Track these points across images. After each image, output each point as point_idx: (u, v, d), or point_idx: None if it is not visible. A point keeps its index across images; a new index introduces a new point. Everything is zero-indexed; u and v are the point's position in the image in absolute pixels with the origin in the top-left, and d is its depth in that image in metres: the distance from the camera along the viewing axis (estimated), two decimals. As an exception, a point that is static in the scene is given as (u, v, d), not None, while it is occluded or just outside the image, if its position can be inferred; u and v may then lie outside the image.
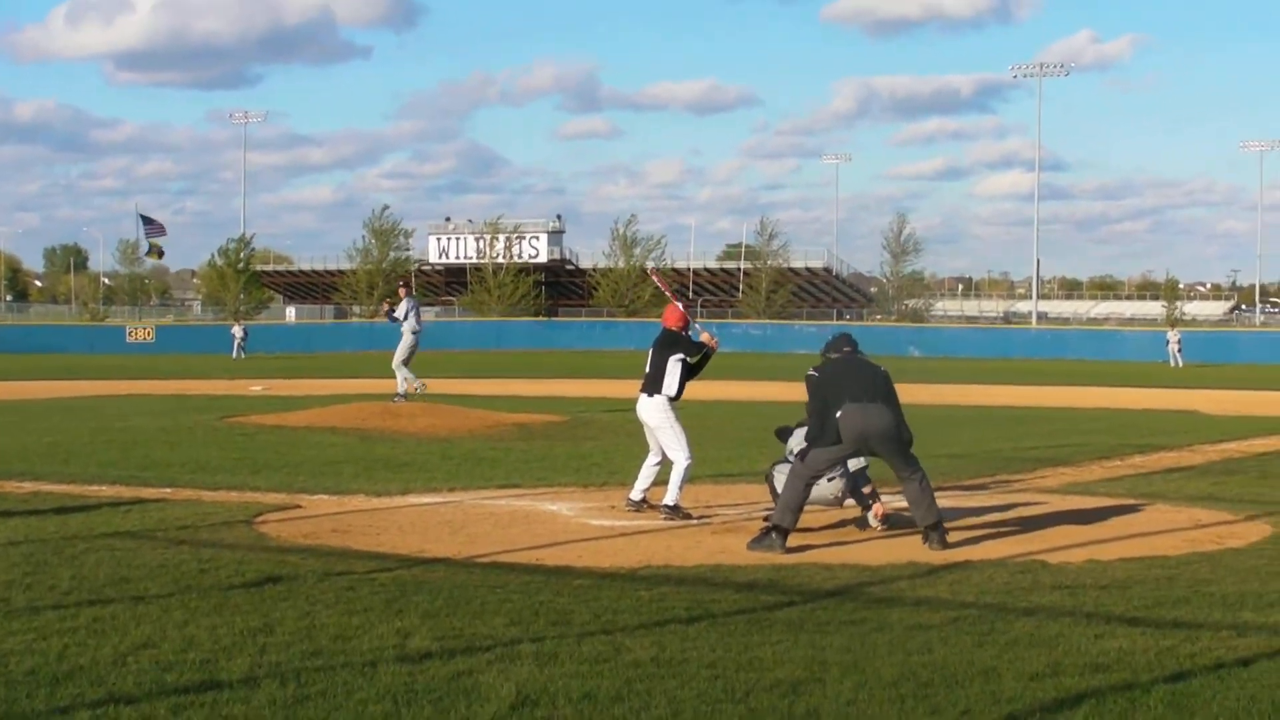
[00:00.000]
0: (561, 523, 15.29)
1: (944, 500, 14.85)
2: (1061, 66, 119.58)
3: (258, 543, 13.63)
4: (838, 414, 13.68)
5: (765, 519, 14.03)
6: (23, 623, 9.86)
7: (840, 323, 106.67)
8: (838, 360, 14.30)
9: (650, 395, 16.13)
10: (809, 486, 13.92)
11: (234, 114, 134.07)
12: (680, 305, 16.81)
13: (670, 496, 15.65)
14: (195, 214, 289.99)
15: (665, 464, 16.04)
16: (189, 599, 10.73)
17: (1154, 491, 18.04)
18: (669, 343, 16.29)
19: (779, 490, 14.44)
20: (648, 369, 16.28)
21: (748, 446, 23.10)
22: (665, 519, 15.38)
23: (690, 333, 16.58)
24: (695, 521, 15.34)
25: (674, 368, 16.10)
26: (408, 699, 7.99)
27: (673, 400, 16.08)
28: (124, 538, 13.63)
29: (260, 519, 15.13)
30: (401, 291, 31.63)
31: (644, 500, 16.00)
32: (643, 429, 16.43)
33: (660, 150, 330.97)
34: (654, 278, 19.69)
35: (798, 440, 15.10)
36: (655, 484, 16.10)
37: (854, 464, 14.77)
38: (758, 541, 13.52)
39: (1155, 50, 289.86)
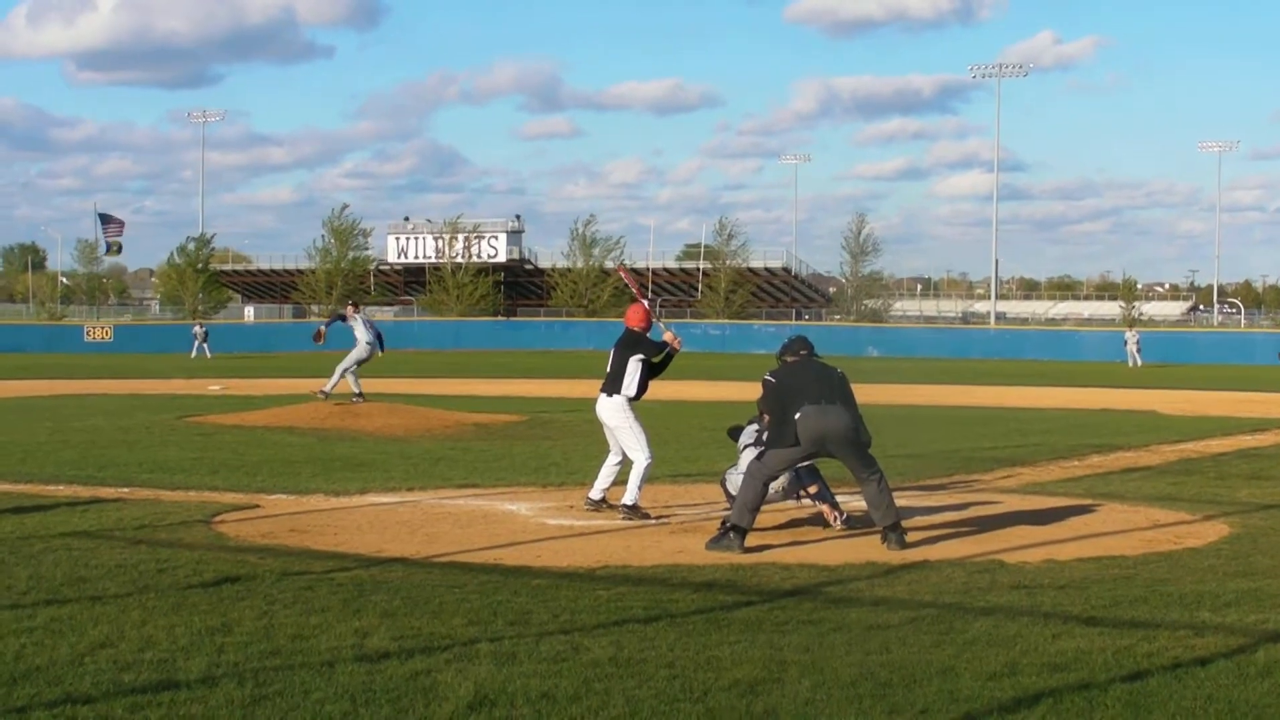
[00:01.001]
0: (520, 522, 15.27)
1: (902, 500, 14.88)
2: (1020, 67, 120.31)
3: (216, 542, 13.59)
4: (796, 416, 13.70)
5: (724, 520, 14.04)
6: (-21, 623, 9.82)
7: (799, 323, 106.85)
8: (795, 363, 14.32)
9: (610, 395, 16.12)
10: (767, 486, 13.93)
11: (192, 113, 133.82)
12: (645, 305, 16.82)
13: (629, 496, 15.64)
14: (155, 213, 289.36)
15: (625, 464, 16.04)
16: (147, 599, 10.70)
17: (1112, 491, 18.11)
18: (631, 343, 16.27)
19: (732, 493, 14.48)
20: (609, 368, 16.26)
21: (706, 447, 23.12)
22: (624, 519, 15.38)
23: (652, 333, 16.58)
24: (654, 521, 15.34)
25: (634, 368, 16.08)
26: (366, 698, 7.98)
27: (632, 400, 16.07)
28: (81, 537, 13.58)
29: (218, 519, 15.09)
30: (349, 310, 31.71)
31: (603, 500, 16.00)
32: (602, 429, 16.43)
33: (621, 150, 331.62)
34: (622, 274, 19.52)
35: (748, 436, 15.16)
36: (615, 484, 16.10)
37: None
38: (716, 541, 13.52)
39: (1116, 52, 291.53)
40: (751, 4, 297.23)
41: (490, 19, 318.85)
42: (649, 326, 16.58)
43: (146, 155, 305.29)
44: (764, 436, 14.53)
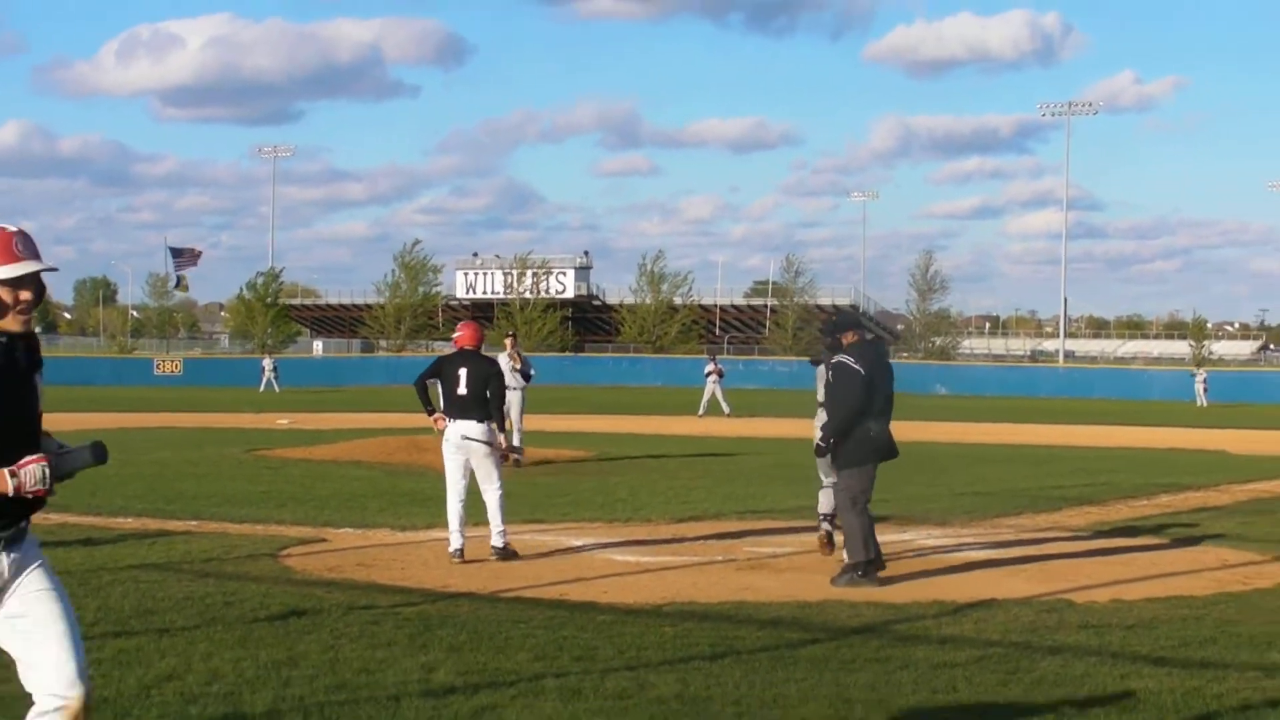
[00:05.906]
0: (586, 558, 15.28)
1: (969, 539, 14.77)
2: (1090, 105, 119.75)
3: (283, 576, 13.65)
4: (871, 434, 13.67)
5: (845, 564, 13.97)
6: (48, 654, 9.87)
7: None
8: (869, 351, 14.14)
9: (480, 421, 15.45)
10: (865, 510, 13.76)
11: (263, 148, 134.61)
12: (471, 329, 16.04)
13: (502, 536, 15.19)
14: (230, 248, 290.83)
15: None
16: (214, 631, 10.74)
17: (1181, 531, 17.97)
18: (491, 369, 15.68)
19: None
20: (464, 391, 15.37)
21: (773, 484, 23.07)
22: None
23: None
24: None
25: (497, 389, 15.49)
26: (431, 733, 7.98)
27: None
28: (150, 570, 13.65)
29: (285, 552, 15.15)
30: (508, 342, 28.93)
31: (461, 550, 15.07)
32: (452, 462, 15.66)
33: (698, 187, 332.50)
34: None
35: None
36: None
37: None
38: (847, 581, 13.44)
39: (1194, 92, 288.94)
40: (833, 43, 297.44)
41: (574, 58, 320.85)
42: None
43: (225, 190, 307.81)
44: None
